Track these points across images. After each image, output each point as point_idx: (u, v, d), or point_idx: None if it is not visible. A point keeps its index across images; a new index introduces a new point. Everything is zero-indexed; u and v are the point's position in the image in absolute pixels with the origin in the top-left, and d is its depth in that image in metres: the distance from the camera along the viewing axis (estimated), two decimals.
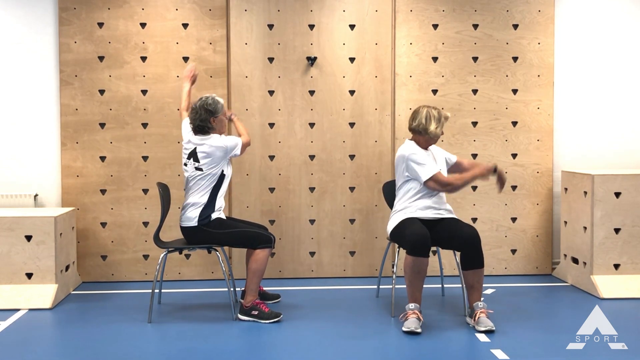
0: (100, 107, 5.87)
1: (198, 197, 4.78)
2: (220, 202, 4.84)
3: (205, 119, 4.78)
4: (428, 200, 4.77)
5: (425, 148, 4.84)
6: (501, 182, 4.78)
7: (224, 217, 4.89)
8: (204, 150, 4.75)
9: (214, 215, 4.79)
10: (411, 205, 4.77)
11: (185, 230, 4.83)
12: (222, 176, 4.81)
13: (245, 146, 4.93)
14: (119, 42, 5.85)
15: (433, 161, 4.81)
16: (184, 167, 4.86)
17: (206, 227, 4.77)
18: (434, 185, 4.71)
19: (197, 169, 4.78)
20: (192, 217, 4.78)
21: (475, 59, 6.03)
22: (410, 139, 4.88)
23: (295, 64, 5.96)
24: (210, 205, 4.78)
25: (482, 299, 4.66)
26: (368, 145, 6.01)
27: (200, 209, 4.76)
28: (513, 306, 5.12)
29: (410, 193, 4.78)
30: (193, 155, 4.79)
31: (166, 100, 5.90)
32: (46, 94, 5.89)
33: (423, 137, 4.81)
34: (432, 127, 4.76)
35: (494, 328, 4.45)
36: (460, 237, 4.61)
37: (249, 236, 4.80)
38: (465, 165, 5.00)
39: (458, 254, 4.72)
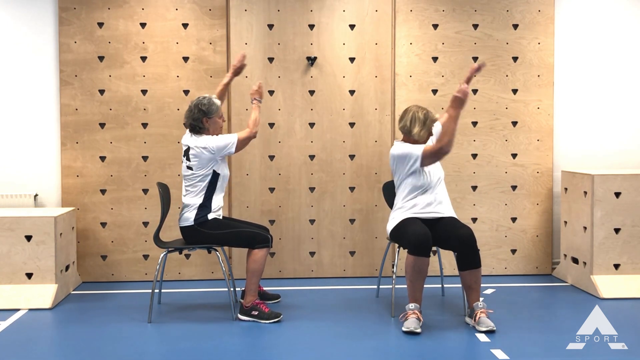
0: (100, 107, 5.87)
1: (193, 198, 4.78)
2: (217, 202, 4.83)
3: (198, 118, 4.77)
4: (427, 196, 4.76)
5: None
6: (478, 69, 5.03)
7: (221, 218, 4.89)
8: (194, 151, 4.75)
9: (210, 216, 4.79)
10: (410, 203, 4.76)
11: (183, 230, 4.83)
12: (215, 177, 4.78)
13: (245, 140, 4.83)
14: (119, 42, 5.85)
15: (417, 146, 4.77)
16: (182, 164, 4.87)
17: (203, 227, 4.77)
18: (431, 160, 4.68)
19: (189, 167, 4.79)
20: (189, 217, 4.78)
21: (475, 59, 6.03)
22: (401, 139, 4.87)
23: (295, 64, 5.96)
24: (206, 205, 4.77)
25: (481, 299, 4.66)
26: (368, 145, 6.01)
27: (197, 209, 4.76)
28: (513, 306, 5.12)
29: (409, 191, 4.77)
30: (187, 154, 4.80)
31: (166, 100, 5.90)
32: (46, 94, 5.89)
33: (410, 137, 4.80)
34: (416, 130, 4.74)
35: (494, 328, 4.45)
36: (455, 238, 4.60)
37: (247, 236, 4.80)
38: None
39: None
